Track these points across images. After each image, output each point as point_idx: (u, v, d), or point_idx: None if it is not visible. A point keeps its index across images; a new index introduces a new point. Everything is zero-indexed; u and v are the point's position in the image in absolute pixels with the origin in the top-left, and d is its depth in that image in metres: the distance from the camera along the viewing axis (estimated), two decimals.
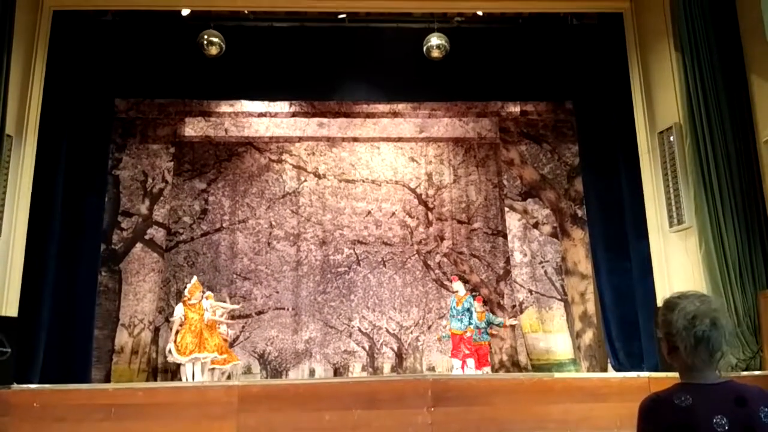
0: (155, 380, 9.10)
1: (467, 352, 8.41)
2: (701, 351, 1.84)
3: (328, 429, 5.03)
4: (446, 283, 10.19)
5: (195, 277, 8.76)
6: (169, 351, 8.11)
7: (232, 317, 9.68)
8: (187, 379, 7.96)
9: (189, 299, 8.30)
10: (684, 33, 6.91)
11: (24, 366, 7.07)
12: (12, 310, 7.09)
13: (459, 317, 8.48)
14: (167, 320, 9.41)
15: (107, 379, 8.98)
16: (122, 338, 9.41)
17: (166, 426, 5.05)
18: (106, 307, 9.42)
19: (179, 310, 8.28)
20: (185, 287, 8.55)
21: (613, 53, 8.47)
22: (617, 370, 8.28)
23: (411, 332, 10.05)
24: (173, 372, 8.23)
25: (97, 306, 8.98)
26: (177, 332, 8.17)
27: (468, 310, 8.48)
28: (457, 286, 8.81)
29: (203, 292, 8.56)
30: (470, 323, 8.45)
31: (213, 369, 8.43)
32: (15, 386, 5.85)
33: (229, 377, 8.83)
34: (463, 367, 8.38)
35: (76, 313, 8.34)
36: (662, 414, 1.81)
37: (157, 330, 9.48)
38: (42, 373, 7.45)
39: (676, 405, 1.79)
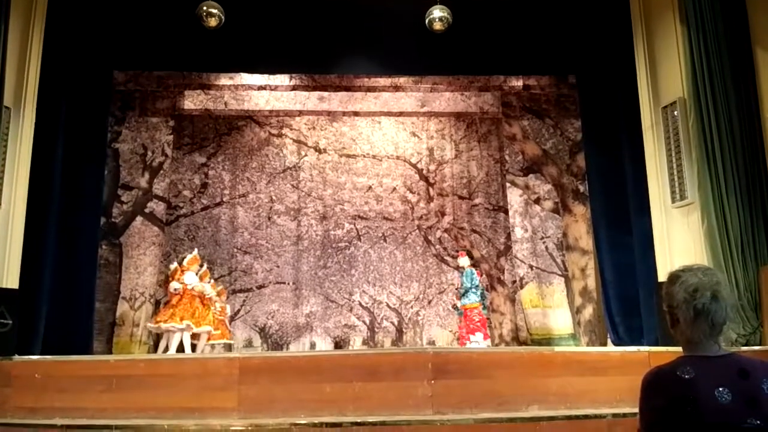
0: (156, 352, 9.14)
1: (471, 326, 8.49)
2: (701, 323, 1.84)
3: (329, 400, 5.05)
4: (447, 258, 10.20)
5: (195, 250, 8.75)
6: (157, 320, 8.08)
7: (233, 291, 9.74)
8: (170, 347, 7.98)
9: (187, 269, 8.29)
10: (690, 6, 6.81)
11: (25, 337, 7.09)
12: (13, 282, 7.08)
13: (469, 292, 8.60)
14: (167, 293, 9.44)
15: (108, 352, 9.03)
16: (123, 311, 9.45)
17: (168, 397, 5.07)
18: (107, 280, 9.44)
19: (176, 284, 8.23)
20: (184, 258, 8.55)
21: (617, 26, 8.36)
22: (617, 345, 8.32)
23: (411, 307, 10.08)
24: (169, 339, 8.23)
25: (98, 279, 9.00)
26: (169, 302, 8.17)
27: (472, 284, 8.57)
28: (463, 261, 8.89)
29: (201, 266, 8.56)
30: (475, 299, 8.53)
31: (213, 345, 8.51)
32: (16, 357, 5.87)
33: (230, 349, 8.90)
34: (463, 342, 8.48)
35: (76, 285, 8.35)
36: (665, 387, 1.80)
37: (158, 303, 9.50)
38: (43, 344, 7.48)
39: (678, 377, 1.79)
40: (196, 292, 8.16)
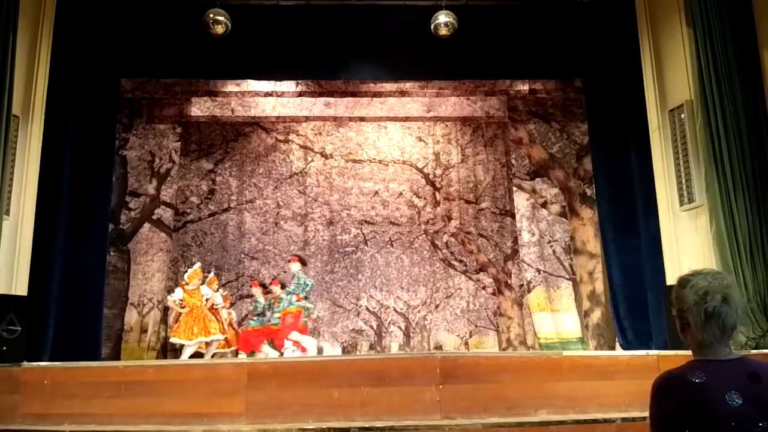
0: (164, 358, 9.17)
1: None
2: (712, 326, 1.82)
3: (337, 406, 5.05)
4: (454, 262, 10.20)
5: (198, 263, 8.79)
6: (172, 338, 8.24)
7: (240, 297, 9.77)
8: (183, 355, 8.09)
9: (187, 284, 8.35)
10: (696, 8, 6.78)
11: (34, 344, 7.12)
12: (22, 288, 7.13)
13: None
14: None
15: (117, 358, 9.05)
16: (131, 317, 9.48)
17: (176, 402, 5.08)
18: (115, 287, 9.48)
19: (178, 293, 8.34)
20: (186, 271, 8.63)
21: (623, 30, 8.35)
22: (625, 348, 8.27)
23: (418, 311, 10.07)
24: (182, 350, 8.30)
25: (106, 285, 9.02)
26: (178, 318, 8.25)
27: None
28: (294, 266, 8.51)
29: (201, 280, 8.60)
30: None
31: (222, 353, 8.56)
32: (25, 364, 5.90)
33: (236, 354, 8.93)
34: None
35: (85, 291, 8.37)
36: (675, 391, 1.79)
37: (166, 309, 9.52)
38: (52, 351, 7.51)
39: (689, 382, 1.78)
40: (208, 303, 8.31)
